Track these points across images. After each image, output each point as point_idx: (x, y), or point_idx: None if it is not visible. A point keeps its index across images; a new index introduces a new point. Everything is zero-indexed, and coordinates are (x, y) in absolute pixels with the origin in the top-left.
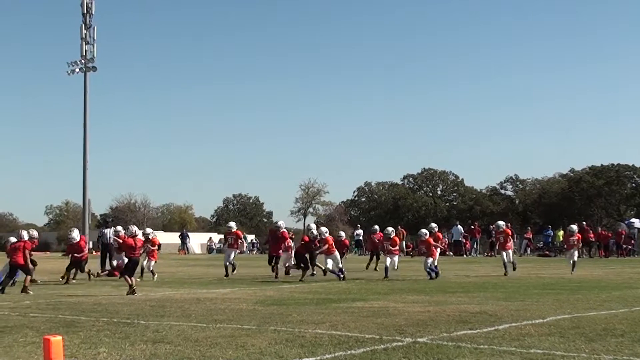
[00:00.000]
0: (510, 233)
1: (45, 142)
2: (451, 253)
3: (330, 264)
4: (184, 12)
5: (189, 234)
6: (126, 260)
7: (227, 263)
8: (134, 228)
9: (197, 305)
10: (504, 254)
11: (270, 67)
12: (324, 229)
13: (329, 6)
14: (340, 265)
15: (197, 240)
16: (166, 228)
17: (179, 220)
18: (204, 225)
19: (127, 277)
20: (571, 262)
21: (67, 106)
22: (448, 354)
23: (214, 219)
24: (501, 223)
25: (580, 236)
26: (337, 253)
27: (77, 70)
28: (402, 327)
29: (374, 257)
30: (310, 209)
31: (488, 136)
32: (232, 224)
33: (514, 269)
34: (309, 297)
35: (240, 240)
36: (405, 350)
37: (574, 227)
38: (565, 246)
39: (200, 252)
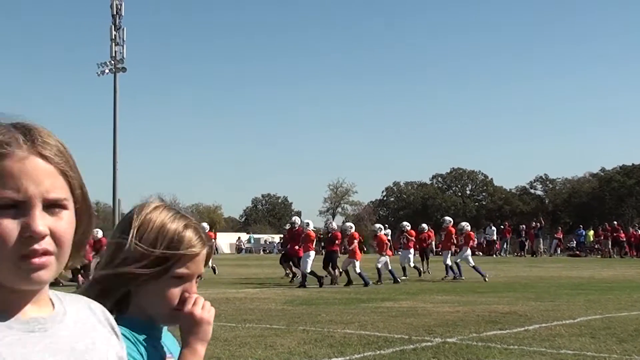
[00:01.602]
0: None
1: (75, 142)
2: (480, 253)
3: (357, 266)
4: (213, 13)
5: (218, 233)
6: None
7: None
8: (98, 231)
9: (226, 305)
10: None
11: (299, 67)
12: (349, 224)
13: (352, 5)
14: (358, 270)
15: (226, 240)
16: None
17: (208, 221)
18: (233, 225)
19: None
20: None
21: (97, 107)
22: (478, 354)
23: (243, 219)
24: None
25: None
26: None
27: (107, 71)
28: (431, 327)
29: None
30: (339, 209)
31: (517, 135)
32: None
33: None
34: (337, 297)
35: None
36: (434, 350)
37: None
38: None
39: (229, 251)
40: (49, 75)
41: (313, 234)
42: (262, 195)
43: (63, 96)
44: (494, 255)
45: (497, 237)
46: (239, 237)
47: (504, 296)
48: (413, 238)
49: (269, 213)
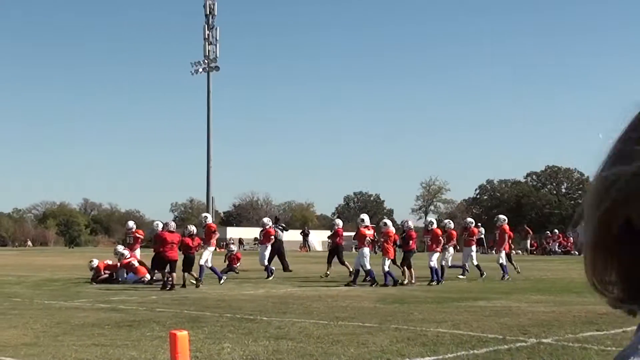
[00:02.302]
0: None
1: (170, 140)
2: (577, 252)
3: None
4: (305, 10)
5: (310, 231)
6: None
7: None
8: (192, 227)
9: (318, 303)
10: None
11: (391, 67)
12: (364, 216)
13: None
14: (387, 267)
15: (318, 238)
16: (288, 225)
17: (301, 218)
18: (325, 223)
19: (184, 273)
20: None
21: (190, 105)
22: (574, 355)
23: (335, 217)
24: None
25: None
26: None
27: (201, 70)
28: (526, 328)
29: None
30: (431, 207)
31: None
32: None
33: None
34: (430, 295)
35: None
36: (529, 351)
37: None
38: None
39: (321, 249)
40: (144, 74)
41: (364, 231)
42: (354, 193)
43: (158, 95)
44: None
45: None
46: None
47: None
48: (474, 236)
49: (361, 211)
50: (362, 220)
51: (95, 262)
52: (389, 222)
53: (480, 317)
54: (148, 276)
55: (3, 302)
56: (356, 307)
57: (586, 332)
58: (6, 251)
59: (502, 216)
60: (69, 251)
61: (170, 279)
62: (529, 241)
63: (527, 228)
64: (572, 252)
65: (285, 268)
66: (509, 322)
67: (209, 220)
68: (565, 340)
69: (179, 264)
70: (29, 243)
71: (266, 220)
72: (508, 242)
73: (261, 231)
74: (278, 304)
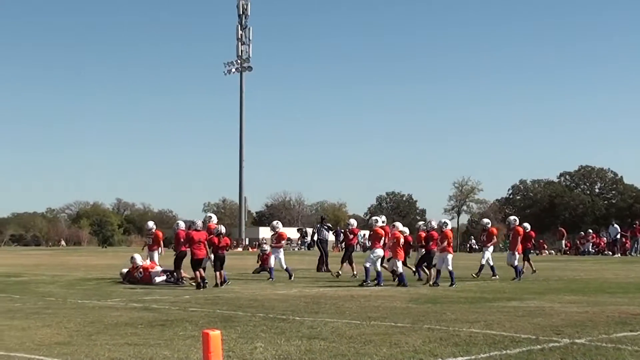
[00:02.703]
0: None
1: (203, 140)
2: (610, 252)
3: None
4: (337, 12)
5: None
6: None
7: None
8: (221, 227)
9: (351, 302)
10: None
11: (424, 69)
12: (375, 218)
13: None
14: (400, 268)
15: None
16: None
17: (333, 218)
18: (358, 223)
19: (216, 273)
20: None
21: (224, 105)
22: (607, 356)
23: (367, 217)
24: None
25: None
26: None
27: (234, 70)
28: (559, 328)
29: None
30: (464, 207)
31: None
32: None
33: None
34: (462, 295)
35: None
36: (562, 351)
37: None
38: None
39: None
40: (177, 74)
41: (381, 231)
42: (387, 193)
43: (191, 95)
44: (618, 255)
45: (629, 236)
46: (364, 235)
47: (635, 297)
48: (494, 236)
49: (393, 211)
50: (376, 220)
51: (138, 260)
52: (397, 224)
53: (513, 317)
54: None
55: (37, 301)
56: (388, 307)
57: (620, 333)
58: (40, 251)
59: (513, 217)
60: (102, 251)
61: (200, 277)
62: (563, 241)
63: (562, 229)
64: (606, 252)
65: (321, 269)
66: (542, 323)
67: (214, 220)
68: (598, 340)
69: (209, 264)
70: (63, 243)
71: (275, 223)
72: (527, 242)
73: (273, 234)
74: (310, 304)
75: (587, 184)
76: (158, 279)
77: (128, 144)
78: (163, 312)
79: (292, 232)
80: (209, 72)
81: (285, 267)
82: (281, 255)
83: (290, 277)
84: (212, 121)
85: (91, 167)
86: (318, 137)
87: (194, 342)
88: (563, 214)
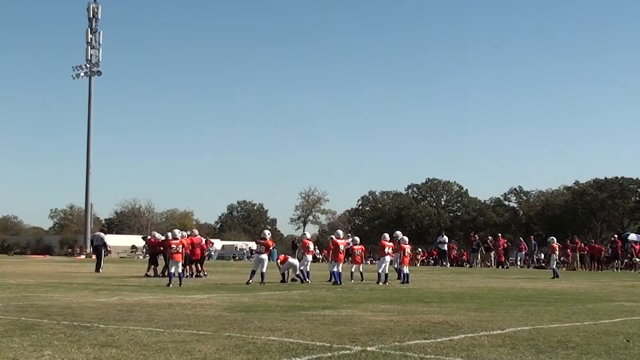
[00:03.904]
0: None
1: (51, 145)
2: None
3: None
4: (189, 17)
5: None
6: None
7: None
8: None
9: (165, 311)
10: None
11: (275, 77)
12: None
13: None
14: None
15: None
16: None
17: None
18: (208, 232)
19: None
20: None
21: (73, 110)
22: None
23: (218, 225)
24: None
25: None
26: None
27: (82, 74)
28: (357, 336)
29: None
30: (310, 217)
31: (493, 147)
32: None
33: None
34: (281, 304)
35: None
36: (351, 358)
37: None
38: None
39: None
40: (24, 77)
41: (385, 243)
42: (238, 202)
43: (39, 99)
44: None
45: (445, 247)
46: (212, 243)
47: (447, 306)
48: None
49: (244, 220)
50: (385, 236)
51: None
52: (339, 233)
53: (317, 325)
54: None
55: None
56: (200, 315)
57: (412, 341)
58: None
59: (356, 238)
60: None
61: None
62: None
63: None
64: (443, 263)
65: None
66: (342, 331)
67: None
68: (389, 348)
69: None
70: None
71: (267, 232)
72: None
73: (259, 245)
74: (123, 312)
75: (434, 196)
76: None
77: None
78: None
79: (138, 240)
80: (58, 76)
81: (264, 271)
82: (266, 260)
83: (283, 280)
84: (59, 126)
85: None
86: (169, 145)
87: None
88: (410, 225)
